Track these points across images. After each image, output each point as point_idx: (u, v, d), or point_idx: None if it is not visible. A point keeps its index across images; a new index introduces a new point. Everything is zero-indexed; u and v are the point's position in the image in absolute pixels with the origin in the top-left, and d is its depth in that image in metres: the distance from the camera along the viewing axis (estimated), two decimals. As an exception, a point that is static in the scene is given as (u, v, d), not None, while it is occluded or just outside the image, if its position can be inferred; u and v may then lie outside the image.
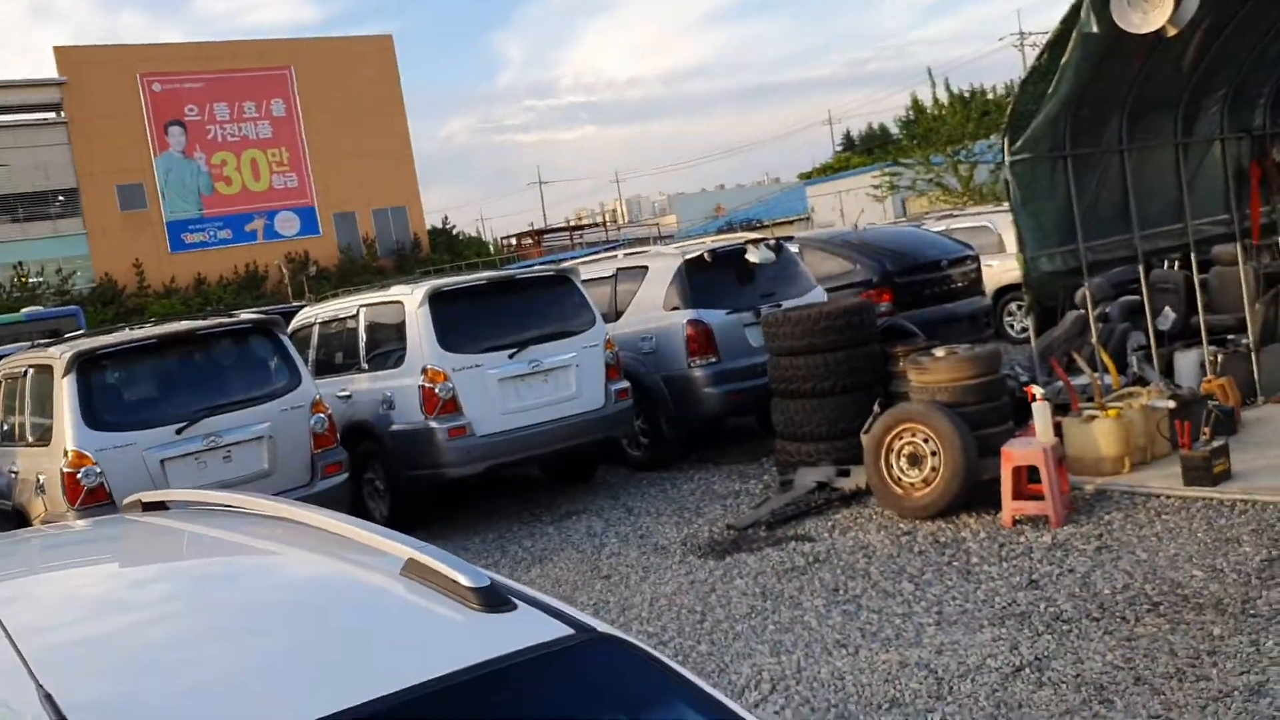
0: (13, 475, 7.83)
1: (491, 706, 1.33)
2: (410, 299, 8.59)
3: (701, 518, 7.90)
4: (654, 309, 9.67)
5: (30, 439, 7.75)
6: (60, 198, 52.00)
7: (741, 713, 1.44)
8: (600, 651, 1.41)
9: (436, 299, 8.47)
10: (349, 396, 8.95)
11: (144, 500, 2.20)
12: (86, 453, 7.04)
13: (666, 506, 8.39)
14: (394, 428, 8.53)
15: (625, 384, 9.00)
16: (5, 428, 8.35)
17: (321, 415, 7.94)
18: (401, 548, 1.50)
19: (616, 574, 6.91)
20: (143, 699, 1.21)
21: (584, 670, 1.40)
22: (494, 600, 1.38)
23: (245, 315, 8.66)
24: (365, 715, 1.17)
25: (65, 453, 7.06)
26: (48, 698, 1.05)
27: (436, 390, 8.24)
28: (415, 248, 55.94)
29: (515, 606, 1.40)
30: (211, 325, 8.13)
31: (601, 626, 1.47)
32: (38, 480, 7.36)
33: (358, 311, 9.34)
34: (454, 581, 1.40)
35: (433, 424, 8.24)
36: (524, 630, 1.36)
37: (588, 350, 8.77)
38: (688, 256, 9.73)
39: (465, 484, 9.00)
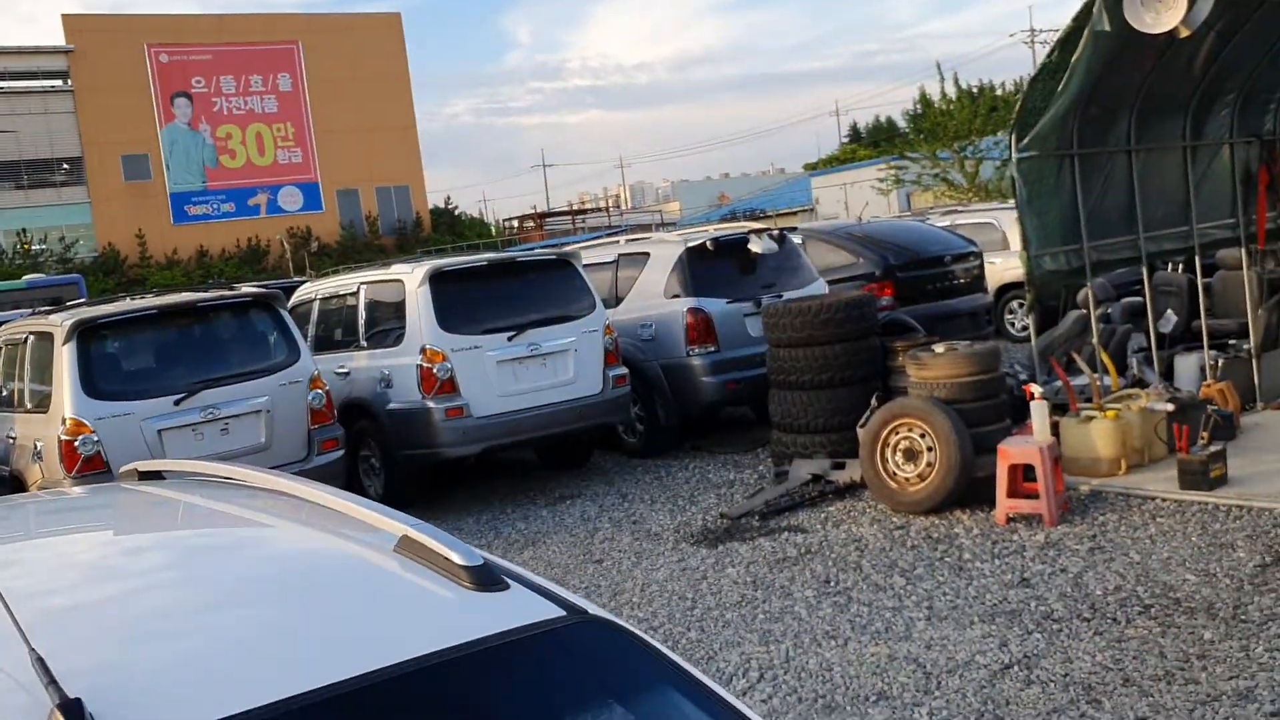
0: (10, 441, 7.83)
1: (481, 685, 1.34)
2: (411, 278, 8.58)
3: (695, 506, 7.91)
4: (655, 296, 9.65)
5: (29, 405, 7.75)
6: (65, 166, 51.93)
7: (729, 698, 1.44)
8: (591, 634, 1.42)
9: (437, 279, 8.46)
10: (347, 374, 8.95)
11: (140, 469, 2.20)
12: (84, 421, 7.04)
13: (660, 494, 8.39)
14: (391, 406, 8.53)
15: (623, 370, 9.00)
16: (4, 393, 8.35)
17: (319, 391, 7.95)
18: (395, 524, 1.50)
19: (609, 559, 6.92)
20: (134, 666, 1.21)
21: (574, 651, 1.41)
22: (487, 579, 1.39)
23: (246, 289, 8.66)
24: (355, 690, 1.18)
25: (63, 420, 7.07)
26: (39, 660, 1.05)
27: (435, 370, 8.23)
28: (417, 227, 55.92)
29: (508, 586, 1.41)
30: (212, 298, 8.13)
31: (593, 609, 1.47)
32: (35, 447, 7.36)
33: (358, 289, 9.34)
34: (447, 559, 1.40)
35: (430, 404, 8.24)
36: (516, 610, 1.37)
37: (587, 335, 8.76)
38: (690, 244, 9.71)
39: (460, 464, 9.01)
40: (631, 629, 1.51)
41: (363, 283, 9.35)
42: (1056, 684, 4.42)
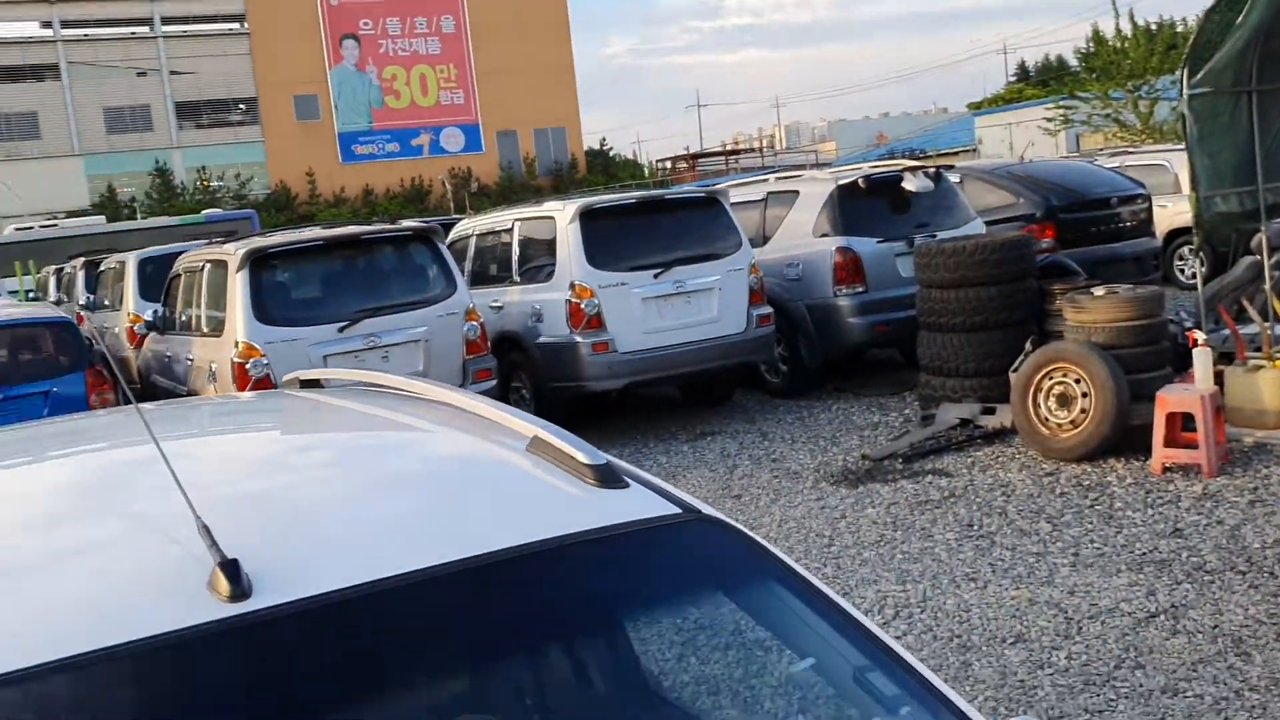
0: (188, 362, 8.37)
1: (596, 571, 1.45)
2: (562, 215, 8.74)
3: (837, 447, 7.90)
4: (803, 235, 9.58)
5: (205, 330, 8.26)
6: (241, 106, 54.27)
7: (836, 598, 1.50)
8: (703, 530, 1.50)
9: (587, 216, 8.60)
10: (500, 307, 9.21)
11: (301, 378, 2.40)
12: (255, 345, 7.46)
13: (802, 434, 8.40)
14: (541, 339, 8.76)
15: (768, 309, 8.99)
16: (183, 318, 8.91)
17: (474, 323, 8.21)
18: (529, 426, 1.62)
19: (747, 495, 7.00)
20: (285, 538, 1.36)
21: (686, 546, 1.50)
22: (609, 477, 1.49)
23: (406, 223, 8.97)
24: (480, 566, 1.31)
25: (236, 344, 7.50)
26: (205, 528, 1.20)
27: (582, 306, 8.40)
28: (572, 168, 56.52)
29: (628, 485, 1.50)
30: (375, 230, 8.47)
31: (707, 509, 1.55)
32: (210, 368, 7.85)
33: (512, 226, 9.56)
34: (573, 458, 1.51)
35: (577, 338, 8.43)
36: (634, 506, 1.46)
37: (732, 274, 8.78)
38: (841, 182, 9.57)
39: (605, 398, 9.19)
40: (743, 529, 1.58)
41: (516, 219, 9.57)
42: (1204, 635, 4.30)
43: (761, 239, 9.80)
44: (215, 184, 48.55)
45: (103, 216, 36.81)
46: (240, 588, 1.16)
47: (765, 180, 10.95)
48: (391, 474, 1.72)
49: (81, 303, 15.37)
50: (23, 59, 50.89)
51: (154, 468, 1.37)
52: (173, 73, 52.28)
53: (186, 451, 1.77)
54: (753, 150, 63.21)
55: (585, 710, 1.87)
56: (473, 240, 10.23)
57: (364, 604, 1.22)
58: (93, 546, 1.39)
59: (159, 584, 1.21)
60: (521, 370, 9.01)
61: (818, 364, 9.58)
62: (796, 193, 9.92)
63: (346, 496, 1.60)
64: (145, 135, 52.21)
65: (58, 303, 16.42)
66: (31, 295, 20.78)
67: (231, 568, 1.17)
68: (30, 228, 30.62)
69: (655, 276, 8.56)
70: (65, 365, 8.26)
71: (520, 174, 55.18)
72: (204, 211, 27.64)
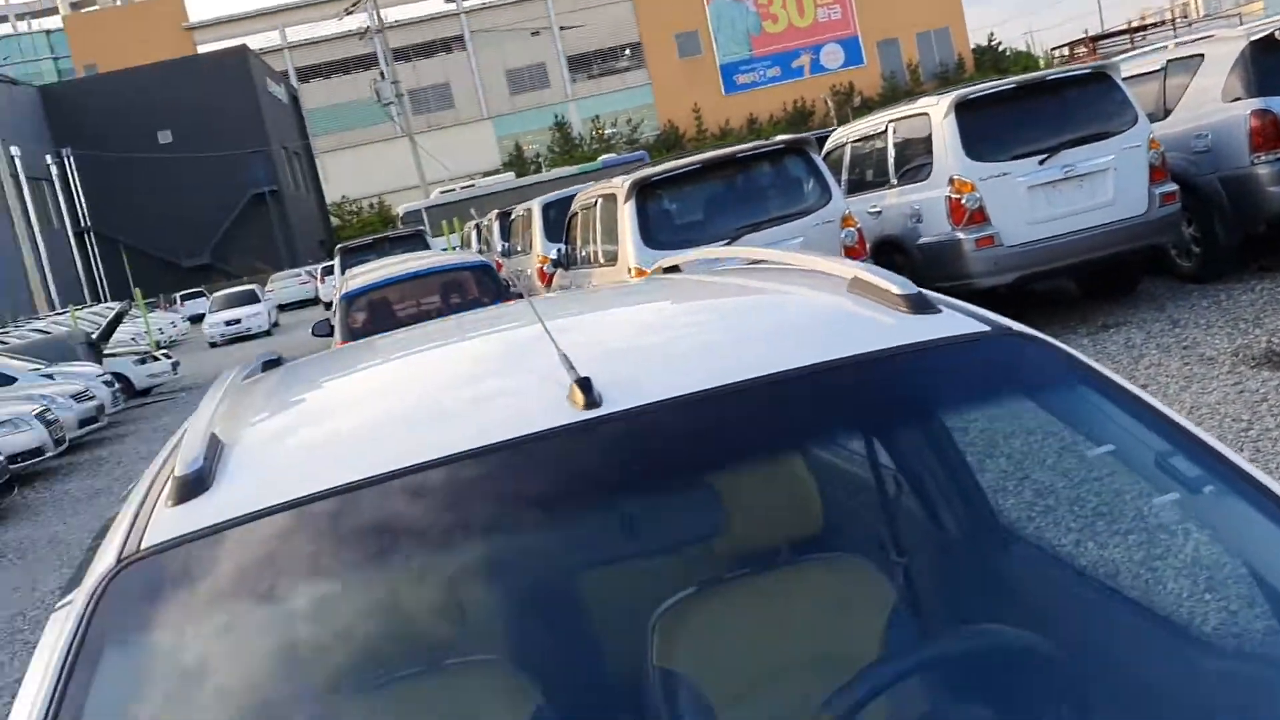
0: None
1: (908, 382, 1.61)
2: (936, 110, 8.53)
3: (1260, 328, 7.20)
4: (1210, 101, 8.68)
5: (602, 261, 8.92)
6: (626, 52, 56.88)
7: (1153, 402, 1.51)
8: (1011, 343, 1.58)
9: (963, 108, 8.33)
10: (879, 212, 9.18)
11: (664, 265, 2.73)
12: (645, 270, 7.97)
13: (1218, 318, 7.73)
14: (921, 240, 8.64)
15: (1172, 187, 8.28)
16: (583, 253, 9.67)
17: (851, 229, 8.27)
18: (851, 269, 1.78)
19: (1154, 384, 6.59)
20: (629, 366, 1.69)
21: (993, 357, 1.59)
22: (922, 304, 1.61)
23: (779, 138, 9.15)
24: (795, 377, 1.53)
25: (629, 270, 8.05)
26: (564, 357, 1.53)
27: (963, 201, 8.18)
28: (959, 68, 54.19)
29: (940, 311, 1.61)
30: (749, 149, 8.73)
31: (1018, 326, 1.62)
32: (601, 294, 8.50)
33: (886, 128, 9.45)
34: (887, 291, 1.64)
35: (959, 235, 8.23)
36: (944, 326, 1.58)
37: (1127, 152, 8.16)
38: (1254, 38, 8.57)
39: (994, 295, 8.91)
40: (1055, 342, 1.63)
41: (890, 121, 9.45)
42: None
43: (1162, 112, 9.00)
44: (609, 131, 51.39)
45: (512, 173, 40.28)
46: (591, 398, 1.46)
47: (1164, 48, 10.01)
48: (725, 318, 2.03)
49: (498, 250, 17.03)
50: (433, 34, 56.30)
51: (535, 329, 1.75)
52: (562, 28, 55.71)
53: (560, 320, 2.11)
54: (1162, 24, 57.19)
55: (907, 497, 2.11)
56: (848, 148, 10.22)
57: (692, 408, 1.49)
58: (492, 380, 1.84)
59: (537, 399, 1.55)
60: (904, 273, 8.93)
61: (1236, 242, 8.71)
62: (1200, 56, 8.99)
63: (684, 335, 1.93)
64: (543, 93, 56.17)
65: (479, 253, 18.30)
66: (456, 249, 23.34)
67: (585, 383, 1.47)
68: (452, 190, 34.19)
69: (1041, 163, 8.15)
70: (488, 304, 9.28)
71: (904, 82, 53.72)
72: (600, 158, 29.45)
